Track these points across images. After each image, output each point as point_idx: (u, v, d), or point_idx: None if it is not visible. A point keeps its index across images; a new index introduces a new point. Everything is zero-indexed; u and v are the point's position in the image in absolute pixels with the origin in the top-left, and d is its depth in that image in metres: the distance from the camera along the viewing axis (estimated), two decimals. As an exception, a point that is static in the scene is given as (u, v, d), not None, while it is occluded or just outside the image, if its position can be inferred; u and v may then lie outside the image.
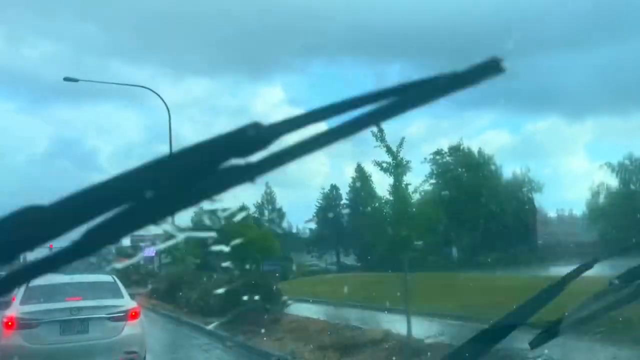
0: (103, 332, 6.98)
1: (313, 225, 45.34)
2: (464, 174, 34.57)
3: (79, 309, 7.10)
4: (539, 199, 34.78)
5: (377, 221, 11.90)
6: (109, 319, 7.14)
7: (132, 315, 7.35)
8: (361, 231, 25.63)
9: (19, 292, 8.05)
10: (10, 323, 6.86)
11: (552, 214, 39.37)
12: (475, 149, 36.53)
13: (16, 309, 7.14)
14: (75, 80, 21.36)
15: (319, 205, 44.25)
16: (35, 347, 6.64)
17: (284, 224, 45.15)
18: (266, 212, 42.27)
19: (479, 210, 30.68)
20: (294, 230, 50.43)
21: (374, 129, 10.54)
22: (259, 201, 42.77)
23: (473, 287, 12.70)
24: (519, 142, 56.49)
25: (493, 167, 35.80)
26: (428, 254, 20.54)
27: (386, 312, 11.01)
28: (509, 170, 40.40)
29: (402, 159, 10.49)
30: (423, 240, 12.38)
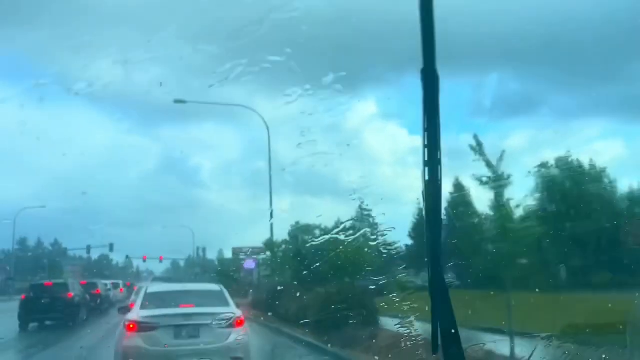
0: (212, 337, 7.43)
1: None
2: (573, 188, 32.40)
3: (191, 315, 7.62)
4: (659, 215, 31.67)
5: (476, 238, 11.55)
6: (217, 325, 7.58)
7: (238, 322, 7.76)
8: (460, 248, 24.88)
9: (138, 298, 8.80)
10: (132, 326, 7.52)
11: (676, 231, 35.62)
12: (585, 161, 34.15)
13: (137, 313, 7.80)
14: (184, 102, 23.01)
15: (415, 220, 43.55)
16: (153, 349, 7.20)
17: (380, 240, 44.85)
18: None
19: (590, 227, 28.54)
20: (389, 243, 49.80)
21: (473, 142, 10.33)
22: (354, 216, 42.95)
23: (582, 308, 11.86)
24: (635, 153, 51.95)
25: (606, 180, 33.24)
26: (533, 273, 19.41)
27: (487, 332, 10.60)
28: (624, 183, 37.25)
29: (502, 172, 10.16)
30: (526, 258, 11.80)
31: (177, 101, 22.69)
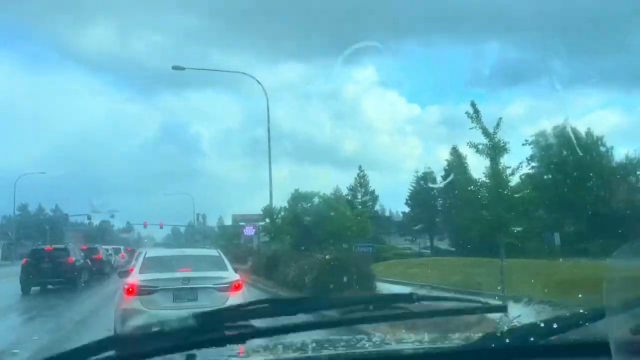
0: (210, 300, 7.55)
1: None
2: (570, 157, 32.46)
3: (189, 279, 7.73)
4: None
5: (472, 204, 11.65)
6: (215, 289, 7.70)
7: (236, 286, 7.89)
8: (456, 215, 25.09)
9: (137, 263, 8.93)
10: (131, 289, 7.66)
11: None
12: (582, 130, 34.13)
13: (136, 277, 7.94)
14: (182, 69, 22.79)
15: (412, 188, 43.77)
16: (152, 311, 7.35)
17: (377, 207, 45.18)
18: (359, 195, 42.54)
19: (585, 195, 28.73)
20: (387, 214, 50.29)
21: (470, 110, 10.33)
22: (352, 184, 43.16)
23: (575, 274, 12.10)
24: (633, 122, 51.90)
25: (603, 149, 33.28)
26: (527, 240, 19.66)
27: (481, 297, 10.83)
28: (621, 152, 37.36)
29: (499, 140, 10.18)
30: (521, 225, 11.92)
31: (175, 68, 22.46)
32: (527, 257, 17.01)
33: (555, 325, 1.26)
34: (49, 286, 17.95)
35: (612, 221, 24.41)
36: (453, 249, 35.74)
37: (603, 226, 24.93)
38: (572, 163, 31.21)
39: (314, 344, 1.51)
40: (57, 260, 18.26)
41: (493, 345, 1.26)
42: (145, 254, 9.30)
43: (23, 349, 8.19)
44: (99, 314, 11.36)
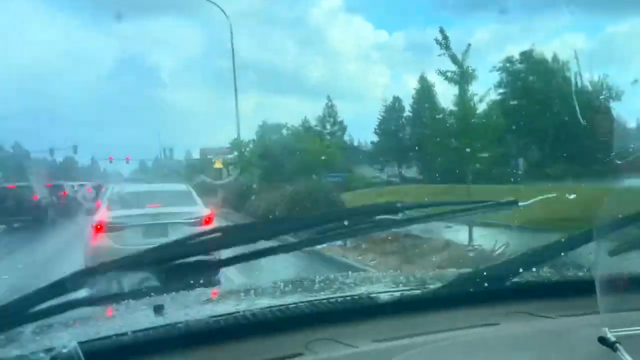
0: (181, 235, 7.53)
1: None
2: (535, 82, 32.75)
3: (159, 214, 7.66)
4: (617, 108, 32.62)
5: (440, 133, 11.71)
6: (186, 224, 7.67)
7: (207, 221, 7.87)
8: (424, 143, 25.36)
9: (105, 199, 8.77)
10: (99, 226, 7.54)
11: (632, 124, 36.99)
12: (549, 55, 34.26)
13: (104, 214, 7.80)
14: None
15: (380, 118, 43.78)
16: (122, 248, 7.30)
17: (346, 137, 45.26)
18: (328, 126, 42.38)
19: (550, 120, 29.30)
20: (356, 144, 50.50)
21: (439, 37, 10.12)
22: (321, 115, 42.85)
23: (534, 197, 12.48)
24: (597, 47, 52.32)
25: (567, 74, 33.63)
26: (493, 166, 20.13)
27: (448, 223, 11.12)
28: (585, 77, 37.84)
29: (467, 67, 10.09)
30: (488, 152, 12.10)
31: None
32: (492, 183, 17.46)
33: (543, 254, 1.23)
34: (15, 225, 17.63)
35: (574, 147, 25.12)
36: (421, 177, 36.43)
37: (567, 151, 25.65)
38: (538, 89, 31.56)
39: (289, 286, 1.45)
40: (21, 198, 17.84)
41: (472, 290, 1.21)
42: (112, 190, 9.17)
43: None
44: (68, 252, 11.25)
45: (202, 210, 8.18)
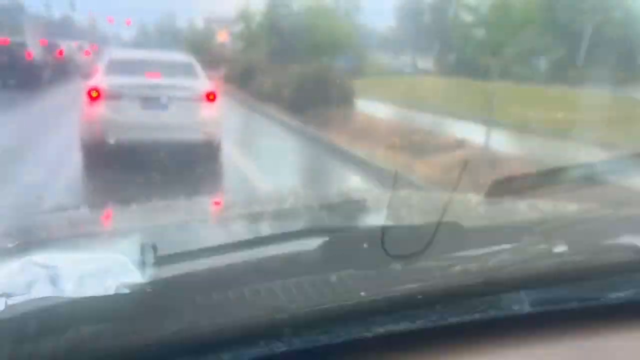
0: (182, 110, 7.08)
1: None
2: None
3: (159, 86, 7.13)
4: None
5: (465, 22, 10.83)
6: (187, 98, 7.18)
7: (210, 97, 7.35)
8: (445, 33, 23.93)
9: (102, 64, 8.11)
10: (95, 93, 6.98)
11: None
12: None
13: (101, 79, 7.22)
14: None
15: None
16: (119, 118, 6.81)
17: (362, 20, 42.90)
18: (343, 3, 39.94)
19: (578, 18, 27.46)
20: (373, 27, 48.07)
21: None
22: (337, -9, 40.14)
23: (561, 101, 11.85)
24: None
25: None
26: (514, 63, 19.05)
27: (465, 120, 10.53)
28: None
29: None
30: (514, 47, 11.25)
31: None
32: (510, 79, 16.62)
33: None
34: (10, 81, 16.89)
35: (603, 48, 23.73)
36: (435, 68, 35.07)
37: (593, 53, 24.29)
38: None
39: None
40: (13, 54, 16.94)
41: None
42: (110, 55, 8.61)
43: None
44: (66, 117, 10.76)
45: (206, 85, 7.65)
